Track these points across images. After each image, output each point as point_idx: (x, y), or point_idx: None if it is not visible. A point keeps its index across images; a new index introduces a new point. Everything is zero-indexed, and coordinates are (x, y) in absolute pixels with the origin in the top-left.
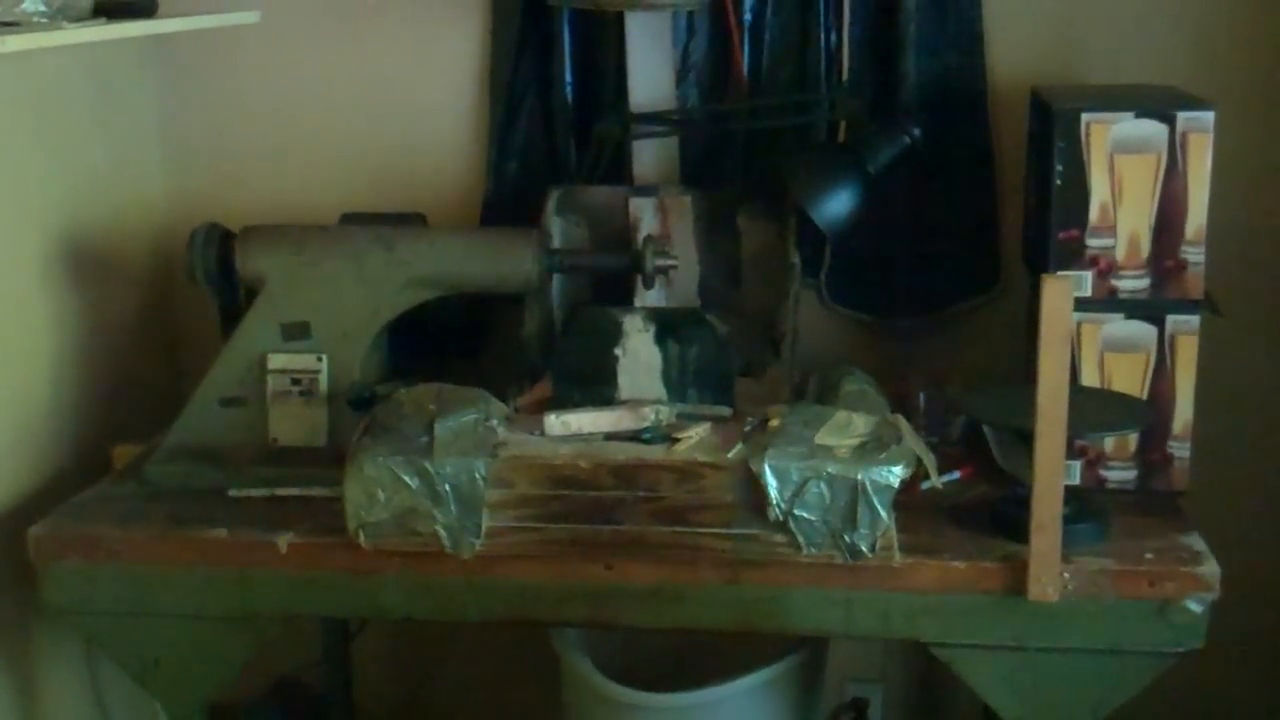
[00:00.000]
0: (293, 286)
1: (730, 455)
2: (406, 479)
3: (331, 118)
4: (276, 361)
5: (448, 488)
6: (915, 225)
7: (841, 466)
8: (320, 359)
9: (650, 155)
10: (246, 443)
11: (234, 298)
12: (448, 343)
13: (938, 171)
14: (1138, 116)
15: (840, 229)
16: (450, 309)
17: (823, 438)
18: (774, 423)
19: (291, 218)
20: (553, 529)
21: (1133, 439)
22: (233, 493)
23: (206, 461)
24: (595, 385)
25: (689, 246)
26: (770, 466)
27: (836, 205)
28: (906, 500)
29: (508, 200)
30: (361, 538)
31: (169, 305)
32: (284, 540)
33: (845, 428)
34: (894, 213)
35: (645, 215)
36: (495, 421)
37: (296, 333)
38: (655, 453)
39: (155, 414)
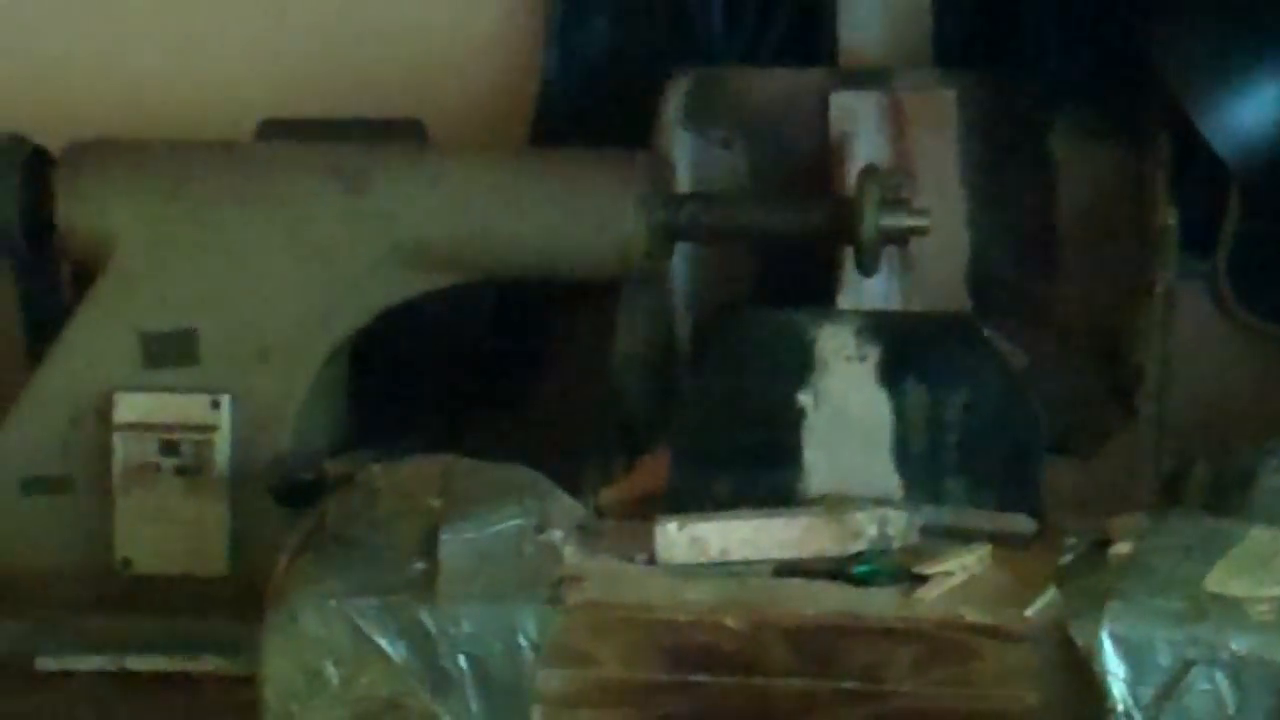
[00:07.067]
0: (165, 262)
1: (1032, 611)
2: (384, 644)
3: None
4: (131, 407)
5: (464, 664)
6: None
7: (1261, 640)
8: (217, 404)
9: (873, 9)
10: (71, 566)
11: (50, 281)
12: (467, 380)
13: None
14: None
15: (1264, 163)
16: (472, 313)
17: (1222, 582)
18: (1122, 549)
19: (162, 130)
20: None
21: None
22: (44, 663)
23: None
24: (758, 466)
25: (951, 191)
26: (1113, 637)
27: (1255, 113)
28: None
29: (584, 98)
30: None
31: None
32: None
33: (1269, 563)
34: None
35: (862, 127)
36: (557, 534)
37: (172, 352)
38: (879, 603)
39: None
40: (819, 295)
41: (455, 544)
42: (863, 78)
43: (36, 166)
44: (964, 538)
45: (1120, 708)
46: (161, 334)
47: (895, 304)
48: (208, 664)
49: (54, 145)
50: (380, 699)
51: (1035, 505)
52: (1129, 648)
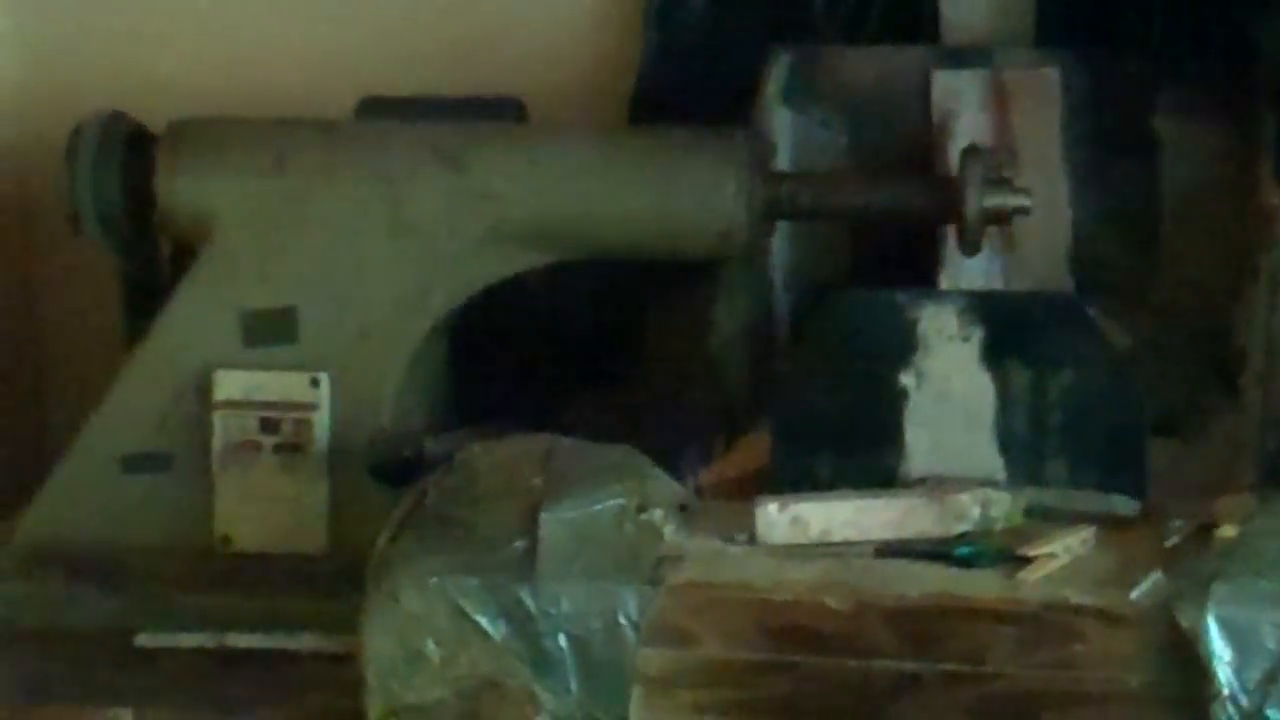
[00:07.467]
0: (265, 241)
1: (1137, 595)
2: (484, 623)
3: None
4: (231, 385)
5: (564, 643)
6: None
7: None
8: (316, 382)
9: None
10: (170, 543)
11: (151, 259)
12: (566, 359)
13: None
14: None
15: None
16: (571, 291)
17: None
18: (1228, 531)
19: (261, 108)
20: None
21: None
22: (143, 640)
23: (93, 578)
24: (859, 447)
25: (1053, 171)
26: (1219, 620)
27: None
28: None
29: (683, 76)
30: None
31: (21, 275)
32: None
33: None
34: None
35: (965, 106)
36: (658, 514)
37: (271, 330)
38: (982, 585)
39: None
40: (918, 275)
41: (556, 523)
42: (965, 56)
43: (138, 144)
44: (1067, 519)
45: (1225, 691)
46: (261, 312)
47: (996, 284)
48: (307, 641)
49: (155, 123)
50: (481, 678)
51: (1139, 487)
52: (1235, 631)
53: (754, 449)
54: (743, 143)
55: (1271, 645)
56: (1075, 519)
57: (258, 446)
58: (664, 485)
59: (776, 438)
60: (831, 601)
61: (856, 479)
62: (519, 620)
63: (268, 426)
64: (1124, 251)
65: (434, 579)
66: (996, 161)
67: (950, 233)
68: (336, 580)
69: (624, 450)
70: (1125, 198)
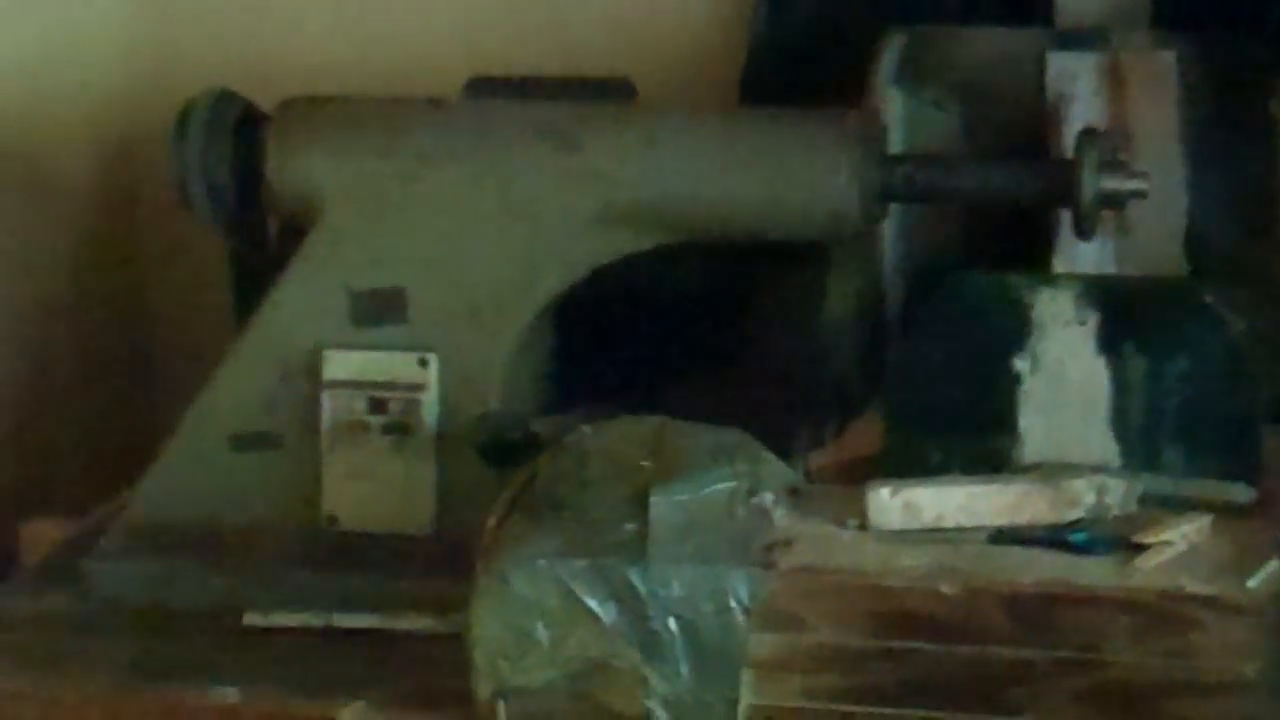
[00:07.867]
0: (375, 220)
1: (1255, 583)
2: (594, 605)
3: None
4: (340, 365)
5: (675, 626)
6: None
7: None
8: (425, 363)
9: None
10: (278, 522)
11: (259, 238)
12: (675, 340)
13: None
14: None
15: None
16: (681, 274)
17: None
18: None
19: (369, 87)
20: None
21: None
22: (250, 619)
23: (200, 557)
24: (973, 432)
25: (1169, 154)
26: None
27: None
28: None
29: (795, 56)
30: (502, 716)
31: (129, 254)
32: (348, 716)
33: None
34: None
35: (1080, 89)
36: (769, 497)
37: (380, 310)
38: (1097, 572)
39: (103, 463)
40: (1030, 259)
41: (666, 506)
42: (1080, 38)
43: (247, 123)
44: (1183, 506)
45: None
46: (370, 292)
47: (1110, 268)
48: (413, 621)
49: (265, 102)
50: (590, 660)
51: (1255, 474)
52: None
53: (866, 433)
54: (855, 124)
55: None
56: (1191, 506)
57: (366, 426)
58: (775, 468)
59: (889, 422)
60: (944, 588)
61: (969, 464)
62: (629, 603)
63: (376, 406)
64: (1240, 236)
65: (543, 561)
66: (1112, 145)
67: (1064, 216)
68: (443, 561)
69: (735, 433)
70: (1241, 182)
